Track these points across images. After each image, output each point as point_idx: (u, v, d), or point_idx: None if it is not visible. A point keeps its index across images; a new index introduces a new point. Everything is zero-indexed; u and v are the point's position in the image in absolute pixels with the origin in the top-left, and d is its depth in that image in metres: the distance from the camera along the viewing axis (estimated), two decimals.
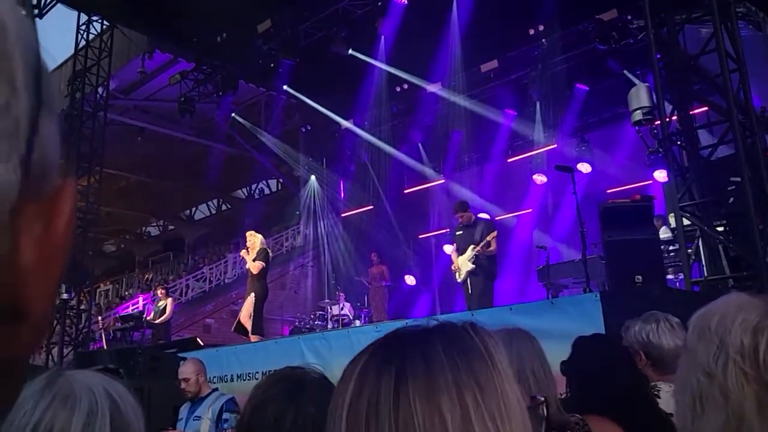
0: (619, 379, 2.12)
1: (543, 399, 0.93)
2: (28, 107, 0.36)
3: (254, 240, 9.37)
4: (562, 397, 2.26)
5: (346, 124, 16.13)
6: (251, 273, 9.28)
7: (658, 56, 7.37)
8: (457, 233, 8.68)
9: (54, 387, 0.95)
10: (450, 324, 0.75)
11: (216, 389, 5.38)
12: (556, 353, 2.59)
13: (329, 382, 1.45)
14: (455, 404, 0.66)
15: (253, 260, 9.18)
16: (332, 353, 6.36)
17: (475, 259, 8.21)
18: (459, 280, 8.45)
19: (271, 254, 10.29)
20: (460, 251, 8.40)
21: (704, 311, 1.08)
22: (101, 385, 0.98)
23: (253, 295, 9.09)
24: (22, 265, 0.37)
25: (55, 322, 13.34)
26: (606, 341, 2.43)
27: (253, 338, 8.81)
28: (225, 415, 4.86)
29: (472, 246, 8.18)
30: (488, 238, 8.16)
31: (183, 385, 5.08)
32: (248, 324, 8.94)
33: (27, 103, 0.36)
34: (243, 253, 9.55)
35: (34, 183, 0.37)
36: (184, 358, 6.00)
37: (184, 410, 5.21)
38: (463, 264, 8.29)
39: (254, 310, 8.99)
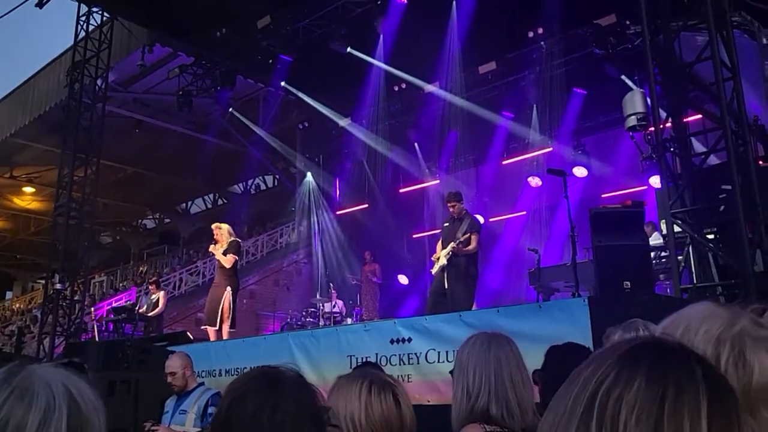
0: None
1: None
2: None
3: (221, 232, 9.04)
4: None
5: (343, 122, 16.13)
6: (222, 266, 8.94)
7: (654, 62, 7.39)
8: (445, 225, 8.47)
9: (12, 381, 0.94)
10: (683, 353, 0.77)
11: (202, 383, 5.38)
12: (543, 357, 2.61)
13: (305, 379, 1.46)
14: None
15: (224, 253, 8.88)
16: (320, 351, 6.36)
17: (451, 257, 7.97)
18: (432, 272, 8.33)
19: (241, 244, 10.00)
20: (444, 244, 8.19)
21: (670, 321, 1.08)
22: (61, 380, 0.97)
23: (229, 289, 8.84)
24: None
25: (48, 312, 13.36)
26: (579, 350, 2.44)
27: (228, 333, 8.71)
28: (210, 410, 4.85)
29: (452, 243, 7.96)
30: (462, 238, 7.87)
31: (169, 378, 5.09)
32: (227, 319, 8.72)
33: None
34: (212, 248, 9.15)
35: None
36: (173, 352, 6.02)
37: (170, 404, 5.21)
38: (440, 258, 8.11)
39: (233, 306, 8.81)
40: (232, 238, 9.11)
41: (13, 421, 0.91)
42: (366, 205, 16.79)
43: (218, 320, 8.73)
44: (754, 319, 1.03)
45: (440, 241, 8.41)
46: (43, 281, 17.86)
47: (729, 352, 0.98)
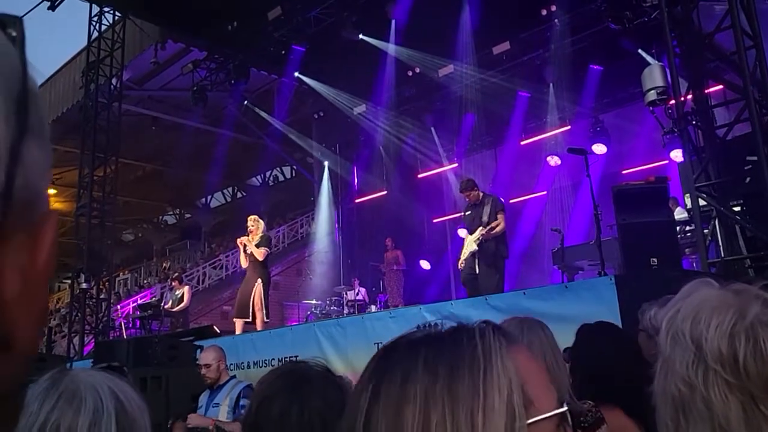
0: (623, 367, 2.10)
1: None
2: (10, 137, 0.36)
3: (258, 225, 9.26)
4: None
5: (358, 109, 16.09)
6: (255, 259, 9.10)
7: (672, 35, 7.25)
8: (466, 213, 8.49)
9: (59, 387, 0.95)
10: (454, 330, 0.70)
11: (234, 376, 5.43)
12: (571, 338, 2.58)
13: (333, 375, 1.46)
14: (417, 416, 0.62)
15: (257, 246, 9.05)
16: (347, 339, 6.39)
17: (481, 242, 7.98)
18: (462, 258, 8.29)
19: (273, 241, 10.21)
20: (470, 231, 8.23)
21: (675, 312, 1.02)
22: (106, 384, 0.99)
23: (260, 281, 9.01)
24: (7, 296, 0.36)
25: (75, 311, 13.55)
26: (610, 329, 2.41)
27: (263, 324, 8.88)
28: (242, 402, 4.89)
29: (480, 227, 8.02)
30: (494, 224, 7.94)
31: (204, 371, 5.12)
32: (260, 312, 8.92)
33: (8, 133, 0.36)
34: (245, 239, 9.24)
35: (17, 212, 0.37)
36: (201, 346, 6.07)
37: (203, 398, 5.27)
38: (469, 244, 8.14)
39: (265, 297, 9.00)
40: (266, 234, 9.34)
41: (64, 424, 0.92)
42: (385, 192, 16.78)
43: (251, 313, 8.91)
44: (766, 300, 0.97)
45: (466, 230, 8.42)
46: (69, 281, 18.09)
47: (745, 347, 0.93)
